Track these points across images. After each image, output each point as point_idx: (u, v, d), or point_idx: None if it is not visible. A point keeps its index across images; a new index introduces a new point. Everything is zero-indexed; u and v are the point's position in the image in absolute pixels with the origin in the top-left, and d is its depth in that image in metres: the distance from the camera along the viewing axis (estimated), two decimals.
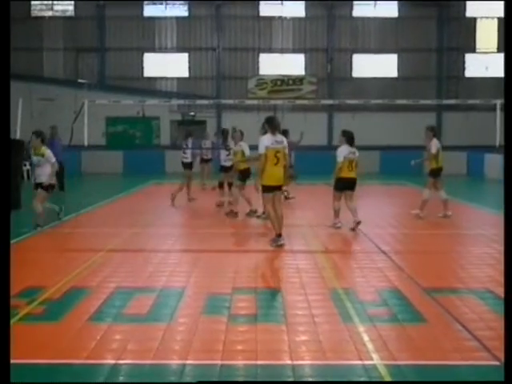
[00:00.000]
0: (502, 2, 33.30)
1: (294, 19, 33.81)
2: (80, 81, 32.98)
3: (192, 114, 33.34)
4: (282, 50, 33.91)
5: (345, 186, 11.98)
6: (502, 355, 5.15)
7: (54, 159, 11.46)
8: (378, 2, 33.71)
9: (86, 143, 14.73)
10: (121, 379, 4.79)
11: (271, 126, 10.19)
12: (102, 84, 33.21)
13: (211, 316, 6.33)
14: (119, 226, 11.91)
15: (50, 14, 33.69)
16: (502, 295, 7.19)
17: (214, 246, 10.45)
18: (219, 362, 5.02)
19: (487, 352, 5.27)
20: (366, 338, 5.60)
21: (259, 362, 5.03)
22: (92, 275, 8.13)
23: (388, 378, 4.72)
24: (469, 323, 6.03)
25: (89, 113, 14.81)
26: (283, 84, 33.51)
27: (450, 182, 24.80)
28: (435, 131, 14.00)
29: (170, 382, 4.76)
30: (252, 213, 13.62)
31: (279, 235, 10.04)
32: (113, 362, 5.04)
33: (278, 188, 10.33)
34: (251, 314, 6.40)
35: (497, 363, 5.04)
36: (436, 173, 13.62)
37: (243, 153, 13.42)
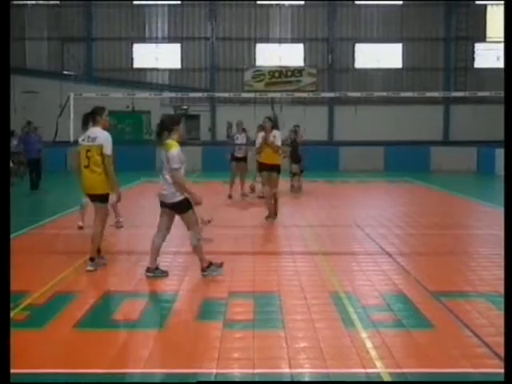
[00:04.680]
0: None
1: (292, 7, 33.81)
2: (65, 72, 32.93)
3: (185, 107, 33.32)
4: (280, 40, 33.91)
5: None
6: None
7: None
8: None
9: (71, 139, 14.71)
10: None
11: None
12: (89, 76, 33.19)
13: (205, 322, 6.33)
14: (107, 227, 11.86)
15: (33, 1, 33.61)
16: None
17: (209, 247, 10.44)
18: (214, 371, 5.02)
19: (498, 359, 5.28)
20: (369, 344, 5.60)
21: (256, 371, 5.04)
22: (78, 279, 8.12)
23: None
24: (479, 329, 6.04)
25: (75, 106, 14.80)
26: (281, 76, 33.52)
27: (458, 179, 24.98)
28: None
29: (167, 382, 4.76)
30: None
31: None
32: (101, 370, 5.04)
33: None
34: (248, 319, 6.39)
35: None
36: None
37: None
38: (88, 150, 8.38)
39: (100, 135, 8.39)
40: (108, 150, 8.34)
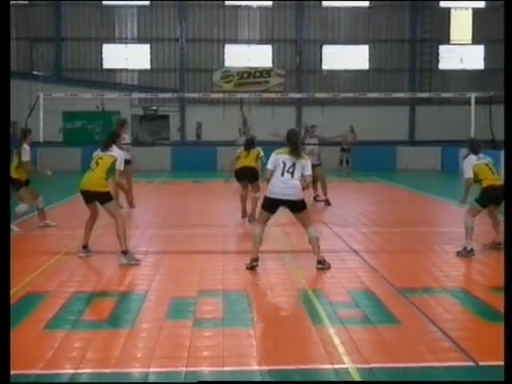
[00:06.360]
0: None
1: (260, 8, 33.80)
2: (35, 73, 32.50)
3: (154, 108, 33.14)
4: (249, 41, 33.85)
5: None
6: (477, 356, 5.24)
7: None
8: None
9: (41, 139, 14.53)
10: None
11: None
12: (59, 76, 32.78)
13: (175, 321, 6.31)
14: (76, 228, 11.74)
15: None
16: (477, 294, 7.32)
17: (178, 247, 10.43)
18: (184, 369, 5.01)
19: (462, 353, 5.35)
20: (336, 340, 5.63)
21: (226, 369, 5.04)
22: (49, 280, 8.05)
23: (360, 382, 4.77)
24: (443, 323, 6.12)
25: (44, 107, 14.59)
26: (250, 77, 33.48)
27: (424, 177, 25.24)
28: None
29: (168, 382, 4.73)
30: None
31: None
32: (71, 371, 5.00)
33: None
34: (217, 317, 6.40)
35: (472, 364, 5.13)
36: None
37: None
38: (100, 158, 9.21)
39: (115, 149, 9.33)
40: (121, 166, 9.23)
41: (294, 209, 8.66)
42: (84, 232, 9.51)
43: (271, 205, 8.66)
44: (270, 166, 8.67)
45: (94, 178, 9.12)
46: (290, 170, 8.51)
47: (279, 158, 8.64)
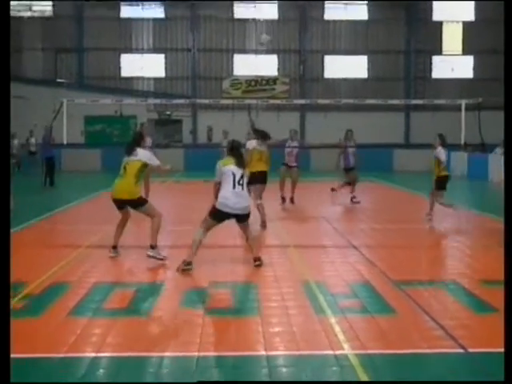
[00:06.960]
0: (466, 7, 33.73)
1: (267, 21, 33.81)
2: (59, 80, 32.59)
3: (168, 113, 33.18)
4: (256, 52, 33.87)
5: None
6: (466, 343, 5.24)
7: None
8: (349, 6, 33.84)
9: (65, 141, 14.59)
10: (100, 371, 4.79)
11: None
12: (81, 84, 32.88)
13: (188, 309, 6.33)
14: (98, 223, 11.81)
15: (28, 14, 33.23)
16: (467, 286, 7.32)
17: (191, 241, 10.43)
18: (196, 354, 5.02)
19: (453, 341, 5.36)
20: (337, 328, 5.64)
21: (235, 353, 5.06)
22: (72, 271, 8.07)
23: (359, 367, 4.77)
24: (435, 313, 6.11)
25: (68, 112, 14.63)
26: (257, 84, 33.50)
27: (418, 178, 25.14)
28: None
29: (171, 382, 4.70)
30: None
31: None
32: (93, 354, 5.02)
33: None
34: (227, 306, 6.42)
35: (461, 351, 5.13)
36: None
37: None
38: (127, 163, 8.75)
39: (140, 152, 8.87)
40: (154, 161, 8.92)
41: (242, 220, 8.26)
42: (115, 233, 9.12)
43: (221, 217, 8.19)
44: (217, 178, 8.15)
45: (125, 186, 8.68)
46: (241, 182, 7.99)
47: (227, 168, 8.05)
